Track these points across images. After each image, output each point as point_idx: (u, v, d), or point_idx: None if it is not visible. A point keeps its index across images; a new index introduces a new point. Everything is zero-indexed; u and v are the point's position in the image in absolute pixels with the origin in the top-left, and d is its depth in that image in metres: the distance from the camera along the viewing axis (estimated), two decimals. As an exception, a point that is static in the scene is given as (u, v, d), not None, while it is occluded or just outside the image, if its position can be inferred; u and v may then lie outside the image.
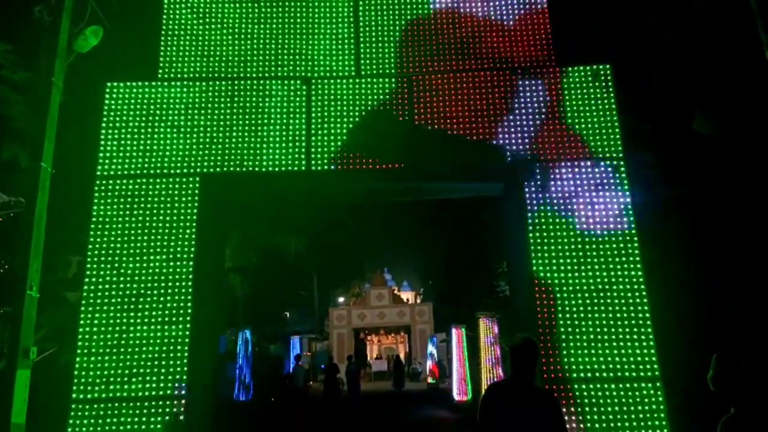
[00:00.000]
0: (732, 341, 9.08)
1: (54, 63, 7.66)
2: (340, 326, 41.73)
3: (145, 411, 7.46)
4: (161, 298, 7.89)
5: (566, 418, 7.28)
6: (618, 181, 8.45)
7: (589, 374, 7.60)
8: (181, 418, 7.45)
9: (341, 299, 50.24)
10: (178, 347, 7.73)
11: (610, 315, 7.83)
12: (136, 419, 7.42)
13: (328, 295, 48.77)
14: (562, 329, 7.82)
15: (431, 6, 9.51)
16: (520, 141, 8.66)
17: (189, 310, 7.86)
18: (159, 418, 7.43)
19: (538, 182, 8.45)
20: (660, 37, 11.84)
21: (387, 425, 16.57)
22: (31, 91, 9.98)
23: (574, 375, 7.62)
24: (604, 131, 8.66)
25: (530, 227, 8.24)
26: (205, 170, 8.44)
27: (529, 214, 8.30)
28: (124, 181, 8.32)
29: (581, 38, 10.64)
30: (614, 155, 8.58)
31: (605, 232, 8.21)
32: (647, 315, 7.80)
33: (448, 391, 28.67)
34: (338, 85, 8.98)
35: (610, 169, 8.51)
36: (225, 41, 9.24)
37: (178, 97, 8.76)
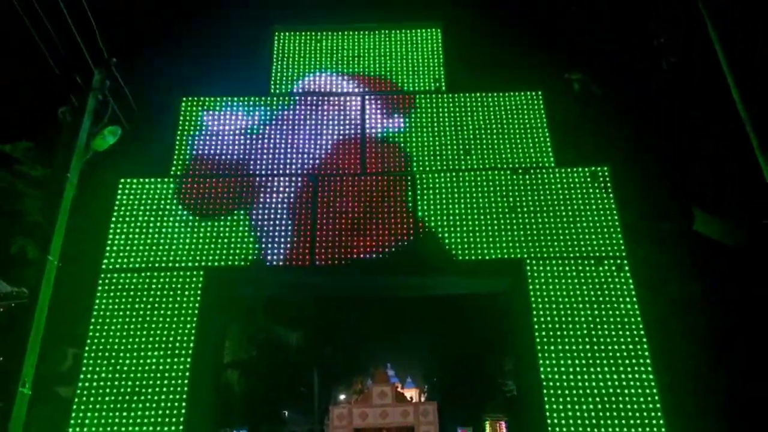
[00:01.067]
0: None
1: (70, 160, 7.96)
2: (341, 426, 39.64)
3: None
4: (155, 397, 7.63)
5: None
6: (622, 279, 8.40)
7: (605, 488, 7.13)
8: None
9: (342, 396, 48.32)
10: (170, 451, 7.35)
11: (623, 422, 7.47)
12: None
13: (329, 391, 46.96)
14: (574, 436, 7.43)
15: (434, 110, 10.00)
16: (523, 238, 8.73)
17: (183, 411, 7.56)
18: None
19: (543, 279, 8.41)
20: (660, 42, 12.00)
21: None
22: (46, 187, 10.30)
23: (589, 488, 7.14)
24: (605, 230, 8.75)
25: (536, 326, 8.10)
26: (209, 264, 8.48)
27: (535, 312, 8.19)
28: (129, 275, 8.34)
29: (580, 140, 11.03)
30: (617, 254, 8.60)
31: (613, 332, 8.03)
32: (661, 422, 7.43)
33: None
34: (344, 182, 9.24)
35: (614, 267, 8.49)
36: (236, 141, 9.64)
37: (188, 193, 8.99)
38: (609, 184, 9.11)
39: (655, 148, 11.87)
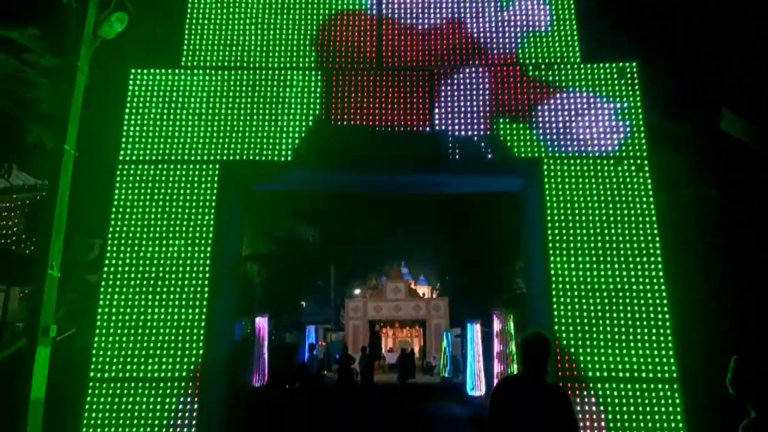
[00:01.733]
0: (754, 340, 8.81)
1: (80, 48, 7.77)
2: (356, 318, 41.92)
3: (160, 391, 7.59)
4: (179, 282, 7.99)
5: (580, 417, 7.23)
6: (641, 179, 8.29)
7: (605, 374, 7.51)
8: (196, 399, 7.56)
9: (357, 291, 50.47)
10: (194, 330, 7.83)
11: (629, 315, 7.71)
12: (152, 399, 7.55)
13: (344, 286, 49.05)
14: (579, 328, 7.73)
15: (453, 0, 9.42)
16: (542, 137, 8.54)
17: (206, 294, 7.94)
18: (174, 399, 7.55)
19: (559, 179, 8.33)
20: None
21: (401, 414, 16.61)
22: (57, 75, 10.15)
23: (590, 374, 7.53)
24: (628, 130, 8.50)
25: (549, 224, 8.14)
26: (224, 158, 8.50)
27: (549, 211, 8.19)
28: (146, 167, 8.42)
29: (608, 34, 10.42)
30: (638, 154, 8.42)
31: (626, 231, 8.06)
32: (666, 316, 7.66)
33: (459, 384, 28.72)
34: (358, 77, 8.95)
35: (633, 168, 8.35)
36: (248, 31, 9.27)
37: (200, 85, 8.82)
38: (636, 82, 8.72)
39: (683, 48, 11.22)
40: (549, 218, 8.16)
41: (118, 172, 8.38)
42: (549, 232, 8.11)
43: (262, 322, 19.05)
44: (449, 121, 8.67)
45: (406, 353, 33.48)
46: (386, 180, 9.38)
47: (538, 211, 8.39)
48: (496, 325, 13.65)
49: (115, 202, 8.27)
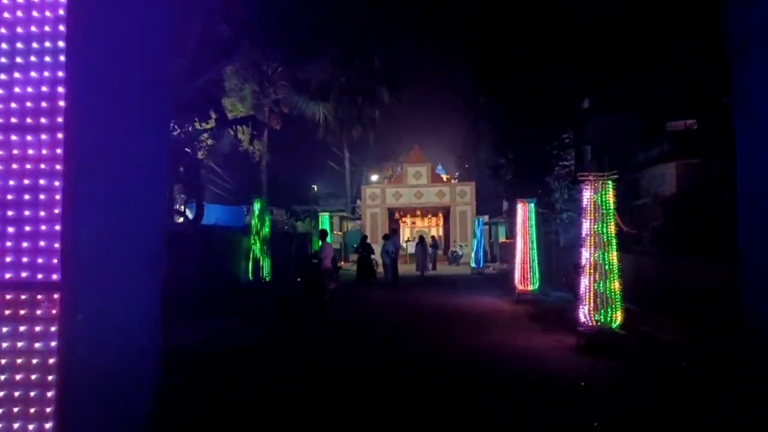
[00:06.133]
0: None
1: None
2: (374, 205, 38.15)
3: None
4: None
5: None
6: None
7: None
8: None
9: (374, 177, 46.42)
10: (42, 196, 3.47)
11: None
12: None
13: (360, 173, 45.04)
14: None
15: None
16: None
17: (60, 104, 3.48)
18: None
19: None
20: None
21: (447, 315, 12.88)
22: None
23: None
24: None
25: None
26: None
27: None
28: None
29: None
30: None
31: None
32: None
33: (493, 275, 25.55)
34: None
35: None
36: None
37: None
38: None
39: None
40: None
41: None
42: None
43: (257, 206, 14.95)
44: None
45: (424, 241, 29.12)
46: None
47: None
48: (586, 195, 9.28)
49: None
